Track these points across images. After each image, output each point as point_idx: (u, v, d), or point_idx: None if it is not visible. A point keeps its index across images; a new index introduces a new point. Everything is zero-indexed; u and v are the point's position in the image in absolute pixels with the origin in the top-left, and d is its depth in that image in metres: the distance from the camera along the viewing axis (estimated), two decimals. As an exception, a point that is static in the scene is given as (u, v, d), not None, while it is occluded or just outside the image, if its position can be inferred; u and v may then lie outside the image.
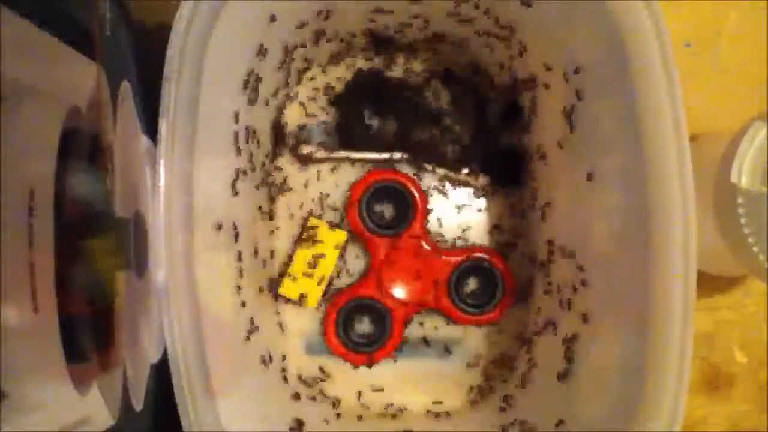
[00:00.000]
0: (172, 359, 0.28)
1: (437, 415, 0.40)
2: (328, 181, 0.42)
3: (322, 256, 0.41)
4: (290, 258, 0.41)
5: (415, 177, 0.41)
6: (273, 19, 0.34)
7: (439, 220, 0.42)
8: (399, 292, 0.41)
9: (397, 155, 0.41)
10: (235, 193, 0.35)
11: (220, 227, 0.33)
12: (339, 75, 0.42)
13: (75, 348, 0.24)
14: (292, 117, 0.41)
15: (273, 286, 0.41)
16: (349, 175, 0.41)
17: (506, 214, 0.42)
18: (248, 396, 0.34)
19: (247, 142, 0.37)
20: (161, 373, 0.32)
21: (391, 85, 0.42)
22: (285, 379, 0.39)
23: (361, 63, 0.42)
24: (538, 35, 0.36)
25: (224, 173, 0.35)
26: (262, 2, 0.33)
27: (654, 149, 0.29)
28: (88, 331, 0.26)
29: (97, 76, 0.28)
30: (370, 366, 0.41)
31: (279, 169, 0.41)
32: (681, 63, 0.29)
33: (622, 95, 0.30)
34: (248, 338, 0.36)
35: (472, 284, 0.42)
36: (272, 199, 0.41)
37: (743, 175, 0.33)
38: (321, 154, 0.41)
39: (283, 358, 0.40)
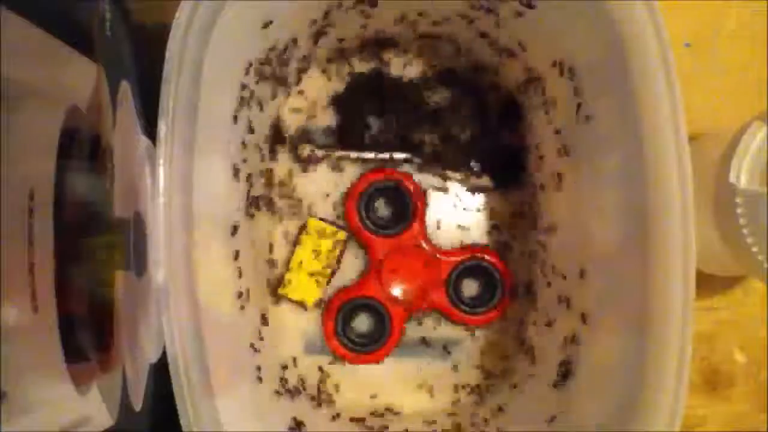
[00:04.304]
0: (171, 359, 0.28)
1: (436, 415, 0.40)
2: (328, 181, 0.41)
3: (321, 256, 0.41)
4: (290, 258, 0.41)
5: (414, 177, 0.41)
6: (272, 19, 0.34)
7: (438, 219, 0.42)
8: (398, 291, 0.41)
9: (397, 155, 0.41)
10: (235, 193, 0.35)
11: (219, 227, 0.33)
12: (339, 75, 0.42)
13: (75, 348, 0.24)
14: (292, 117, 0.41)
15: (272, 286, 0.41)
16: (348, 175, 0.41)
17: (506, 213, 0.42)
18: (247, 396, 0.34)
19: (247, 143, 0.37)
20: (161, 373, 0.32)
21: (391, 85, 0.42)
22: (284, 379, 0.39)
23: (361, 63, 0.42)
24: (538, 35, 0.36)
25: (224, 173, 0.35)
26: (262, 2, 0.33)
27: (654, 149, 0.29)
28: (88, 331, 0.26)
29: (97, 76, 0.28)
30: (369, 365, 0.41)
31: (278, 169, 0.41)
32: (681, 63, 0.29)
33: (621, 95, 0.30)
34: (248, 338, 0.36)
35: (471, 284, 0.42)
36: (271, 199, 0.41)
37: (742, 175, 0.33)
38: (321, 154, 0.41)
39: (283, 358, 0.40)
